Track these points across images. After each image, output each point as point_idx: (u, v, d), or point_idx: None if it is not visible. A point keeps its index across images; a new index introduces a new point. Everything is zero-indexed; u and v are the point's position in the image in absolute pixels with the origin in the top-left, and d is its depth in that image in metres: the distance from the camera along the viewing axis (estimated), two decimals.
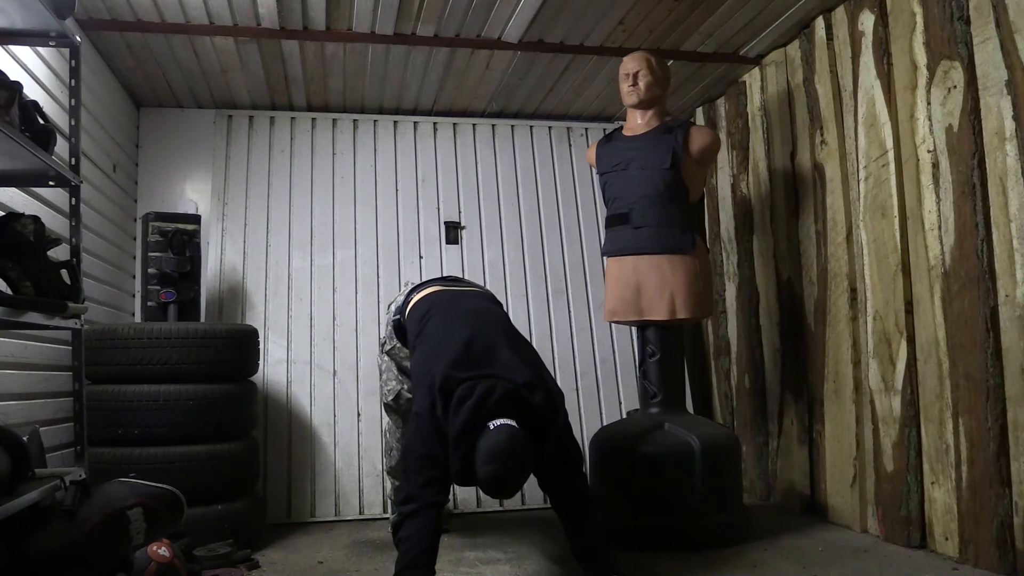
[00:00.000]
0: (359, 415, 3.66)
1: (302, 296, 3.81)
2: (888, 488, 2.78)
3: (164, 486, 2.11)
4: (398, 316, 2.78)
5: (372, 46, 3.38)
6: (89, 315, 2.58)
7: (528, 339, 2.63)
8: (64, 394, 2.46)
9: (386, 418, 3.08)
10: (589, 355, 4.01)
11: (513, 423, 2.02)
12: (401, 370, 2.93)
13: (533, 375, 2.21)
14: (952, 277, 2.50)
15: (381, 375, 3.06)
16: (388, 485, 3.27)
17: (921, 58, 2.62)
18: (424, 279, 3.01)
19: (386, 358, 2.99)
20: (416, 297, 2.69)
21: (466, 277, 3.97)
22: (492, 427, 2.00)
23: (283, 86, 3.81)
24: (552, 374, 2.38)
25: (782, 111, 3.49)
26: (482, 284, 3.33)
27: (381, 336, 3.16)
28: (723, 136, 3.96)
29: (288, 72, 3.65)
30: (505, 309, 2.82)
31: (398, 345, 2.87)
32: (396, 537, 2.12)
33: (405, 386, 2.89)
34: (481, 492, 2.24)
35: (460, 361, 2.20)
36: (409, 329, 2.64)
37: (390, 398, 2.97)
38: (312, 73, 3.67)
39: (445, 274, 3.56)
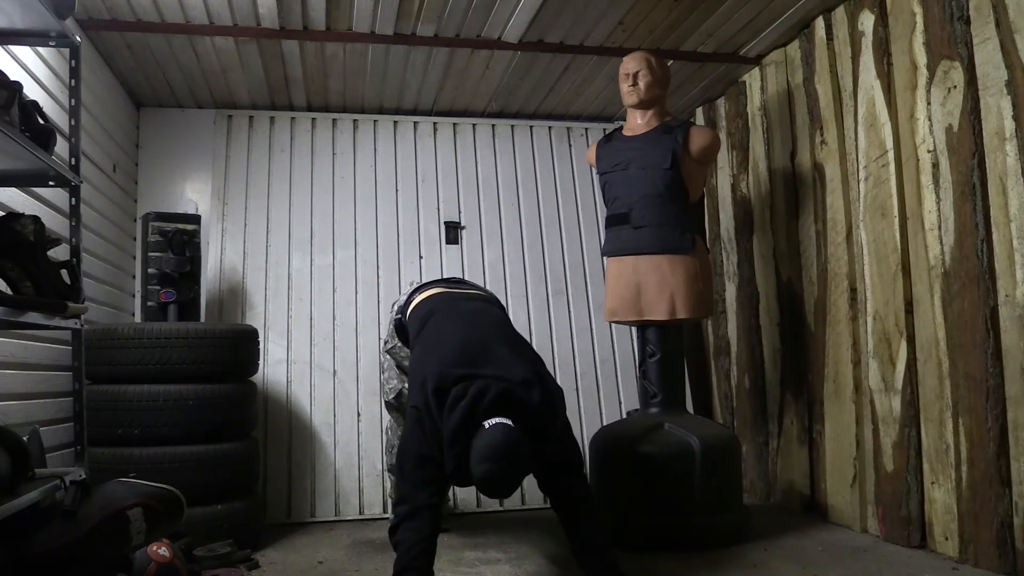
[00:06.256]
0: (359, 415, 3.66)
1: (302, 296, 3.81)
2: (888, 488, 2.78)
3: (164, 486, 2.11)
4: (400, 316, 2.80)
5: (372, 46, 3.38)
6: (89, 315, 2.58)
7: (528, 340, 2.61)
8: (64, 394, 2.46)
9: (387, 416, 3.09)
10: (589, 355, 4.00)
11: (508, 422, 2.00)
12: (402, 369, 2.95)
13: (530, 372, 2.18)
14: (952, 277, 2.50)
15: (383, 372, 3.09)
16: (388, 484, 3.27)
17: (921, 58, 2.62)
18: (428, 279, 3.02)
19: (388, 357, 3.03)
20: (418, 298, 2.70)
21: (467, 277, 3.98)
22: (487, 426, 1.98)
23: (283, 86, 3.81)
24: (552, 373, 2.36)
25: (782, 111, 3.49)
26: (484, 286, 3.32)
27: (384, 335, 3.19)
28: (723, 136, 3.96)
29: (288, 72, 3.65)
30: (507, 312, 2.81)
31: (399, 344, 2.90)
32: (393, 539, 2.11)
33: (406, 385, 2.89)
34: (479, 493, 2.24)
35: (455, 360, 2.19)
36: (410, 329, 2.65)
37: (391, 396, 3.00)
38: (312, 73, 3.67)
39: (448, 275, 3.54)
